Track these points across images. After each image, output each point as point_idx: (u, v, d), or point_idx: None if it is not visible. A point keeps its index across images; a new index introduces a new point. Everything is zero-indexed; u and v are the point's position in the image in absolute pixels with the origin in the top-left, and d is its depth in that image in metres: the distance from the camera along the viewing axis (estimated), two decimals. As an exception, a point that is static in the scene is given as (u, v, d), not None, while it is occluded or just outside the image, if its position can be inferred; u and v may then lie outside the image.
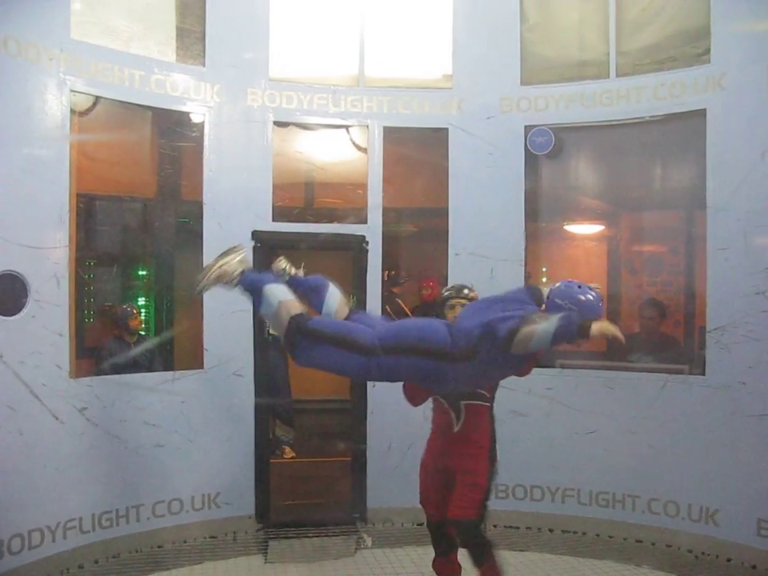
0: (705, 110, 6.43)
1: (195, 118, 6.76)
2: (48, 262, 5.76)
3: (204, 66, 6.71)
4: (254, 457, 6.79)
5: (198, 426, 6.55)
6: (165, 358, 7.24)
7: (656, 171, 7.47)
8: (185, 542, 6.50)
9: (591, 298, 4.13)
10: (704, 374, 6.41)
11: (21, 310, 5.61)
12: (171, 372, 6.67)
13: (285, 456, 8.31)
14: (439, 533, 5.30)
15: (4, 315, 5.49)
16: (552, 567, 6.23)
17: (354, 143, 7.40)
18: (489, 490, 5.02)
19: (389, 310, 7.48)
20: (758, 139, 6.12)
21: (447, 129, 7.12)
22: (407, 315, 8.30)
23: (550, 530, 6.91)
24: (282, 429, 8.33)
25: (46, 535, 5.70)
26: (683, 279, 7.66)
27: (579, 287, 4.17)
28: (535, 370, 6.75)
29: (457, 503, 4.94)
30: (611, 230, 8.13)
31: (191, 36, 6.79)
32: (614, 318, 7.82)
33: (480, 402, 5.07)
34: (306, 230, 7.07)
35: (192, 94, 6.63)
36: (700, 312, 6.77)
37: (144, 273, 8.06)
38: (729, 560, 6.20)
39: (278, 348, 7.47)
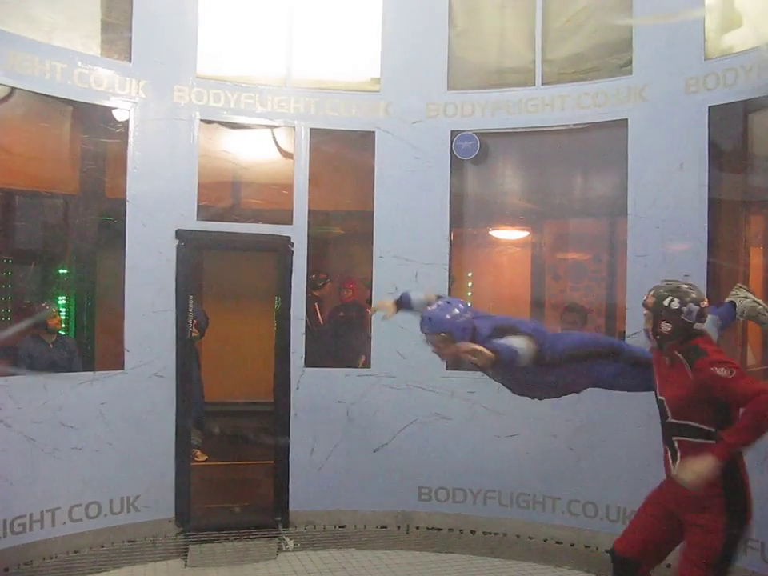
0: (627, 119, 6.58)
1: (120, 114, 6.63)
2: (-38, 257, 5.60)
3: (130, 61, 6.59)
4: (174, 459, 6.68)
5: (117, 428, 6.42)
6: (84, 359, 7.07)
7: (579, 179, 7.61)
8: (102, 546, 6.36)
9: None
10: (623, 378, 6.53)
11: (-68, 306, 5.45)
12: (91, 372, 6.52)
13: (196, 459, 8.20)
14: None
15: None
16: (475, 568, 6.27)
17: (280, 144, 7.35)
18: (726, 556, 3.79)
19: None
20: (676, 150, 6.29)
21: (374, 132, 7.14)
22: (319, 320, 8.26)
23: (472, 532, 6.96)
24: (194, 433, 8.21)
25: (-46, 541, 5.53)
26: (605, 285, 7.82)
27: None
28: (457, 374, 6.96)
29: (682, 563, 3.91)
30: (535, 235, 8.25)
31: (117, 30, 6.66)
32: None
33: (695, 440, 3.92)
34: (231, 230, 7.01)
35: (117, 89, 6.50)
36: (620, 317, 6.90)
37: (65, 271, 7.86)
38: (644, 560, 6.35)
39: (192, 350, 7.37)
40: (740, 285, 5.01)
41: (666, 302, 3.95)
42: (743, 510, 3.82)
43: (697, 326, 3.95)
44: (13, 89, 6.20)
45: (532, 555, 6.51)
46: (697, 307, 3.92)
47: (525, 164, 7.63)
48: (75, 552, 6.22)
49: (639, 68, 6.55)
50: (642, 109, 6.51)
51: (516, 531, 6.87)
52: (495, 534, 6.91)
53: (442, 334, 4.24)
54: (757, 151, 6.56)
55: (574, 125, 6.93)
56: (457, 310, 4.31)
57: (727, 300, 4.90)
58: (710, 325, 4.50)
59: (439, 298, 4.62)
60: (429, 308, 4.38)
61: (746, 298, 4.83)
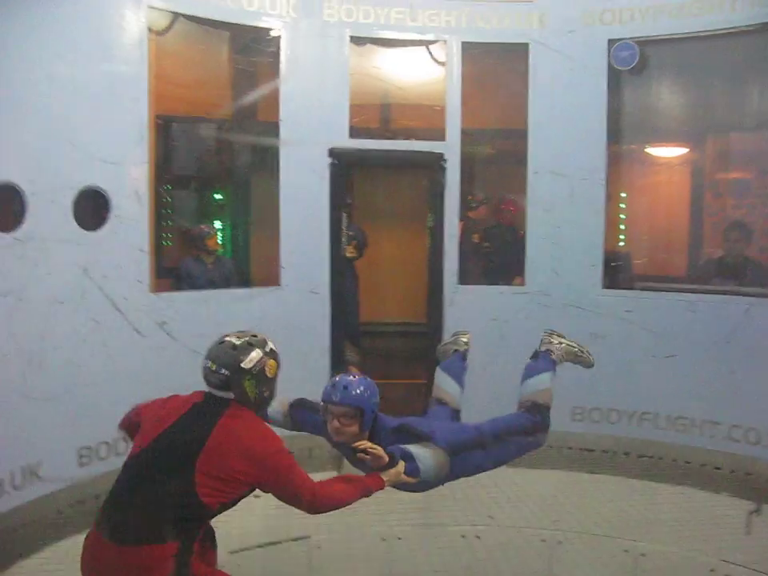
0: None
1: (271, 34, 6.66)
2: (128, 178, 5.82)
3: (278, -22, 6.60)
4: (329, 375, 6.82)
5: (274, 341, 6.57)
6: (241, 277, 7.30)
7: (747, 89, 7.12)
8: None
9: None
10: (789, 298, 6.21)
11: (102, 225, 5.69)
12: (248, 289, 6.73)
13: (352, 376, 8.31)
14: None
15: (87, 230, 5.56)
16: (629, 489, 6.20)
17: (431, 59, 7.22)
18: None
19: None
20: None
21: (527, 44, 6.91)
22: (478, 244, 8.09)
23: (626, 454, 6.85)
24: (349, 349, 8.34)
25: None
26: (771, 203, 7.39)
27: None
28: (614, 292, 6.81)
29: None
30: (695, 152, 7.84)
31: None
32: (697, 243, 7.63)
33: None
34: (384, 147, 7.02)
35: (268, 9, 6.53)
36: (788, 236, 6.54)
37: (220, 196, 8.09)
38: (811, 488, 6.11)
39: (352, 269, 7.46)
40: (549, 331, 4.88)
41: None
42: None
43: None
44: (174, 18, 6.33)
45: (688, 480, 6.36)
46: None
47: (688, 73, 7.20)
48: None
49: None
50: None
51: (672, 455, 6.70)
52: (650, 457, 6.77)
53: (352, 410, 3.54)
54: None
55: (745, 26, 6.41)
56: (369, 390, 3.60)
57: (543, 348, 4.75)
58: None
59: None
60: (343, 376, 3.71)
61: (560, 343, 4.77)
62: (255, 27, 6.63)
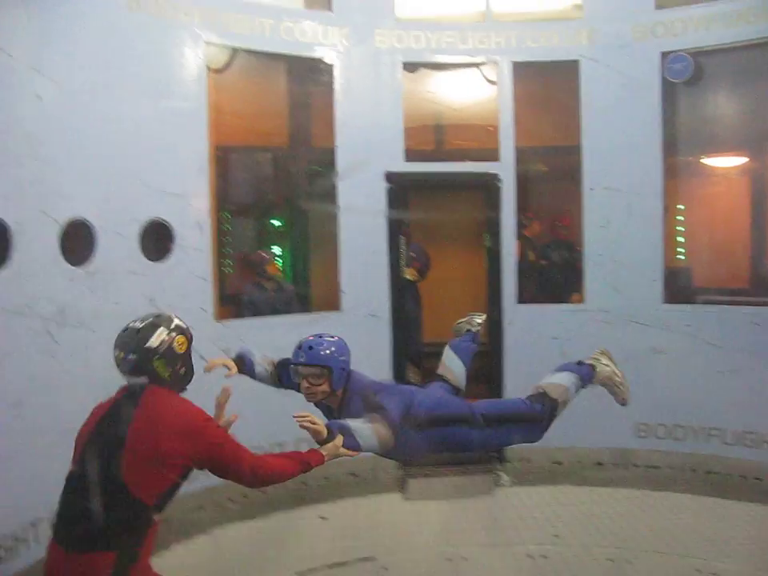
0: None
1: (325, 63, 6.81)
2: (190, 209, 5.99)
3: (331, 10, 6.76)
4: (390, 397, 6.88)
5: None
6: (301, 301, 7.41)
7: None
8: (326, 478, 6.57)
9: None
10: None
11: (167, 255, 5.86)
12: (309, 314, 6.82)
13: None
14: None
15: (152, 261, 5.72)
16: (699, 507, 6.09)
17: (483, 80, 7.27)
18: None
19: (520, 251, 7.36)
20: None
21: (578, 61, 6.93)
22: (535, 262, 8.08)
23: (693, 470, 6.74)
24: (411, 371, 8.38)
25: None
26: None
27: None
28: (675, 307, 6.73)
29: None
30: (755, 160, 7.72)
31: (317, -20, 6.83)
32: (760, 253, 7.51)
33: None
34: (439, 170, 7.10)
35: (321, 39, 6.69)
36: None
37: (279, 223, 8.22)
38: None
39: (414, 291, 7.52)
40: (605, 350, 4.68)
41: None
42: None
43: None
44: (233, 53, 6.56)
45: (759, 496, 6.22)
46: None
47: (744, 82, 7.11)
48: (302, 483, 6.54)
49: None
50: None
51: (741, 471, 6.59)
52: (718, 473, 6.66)
53: (319, 369, 3.65)
54: None
55: (804, 32, 6.34)
56: (336, 349, 3.73)
57: (588, 361, 4.57)
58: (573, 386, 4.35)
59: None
60: (309, 337, 3.75)
61: (607, 366, 4.56)
62: (309, 57, 6.79)
